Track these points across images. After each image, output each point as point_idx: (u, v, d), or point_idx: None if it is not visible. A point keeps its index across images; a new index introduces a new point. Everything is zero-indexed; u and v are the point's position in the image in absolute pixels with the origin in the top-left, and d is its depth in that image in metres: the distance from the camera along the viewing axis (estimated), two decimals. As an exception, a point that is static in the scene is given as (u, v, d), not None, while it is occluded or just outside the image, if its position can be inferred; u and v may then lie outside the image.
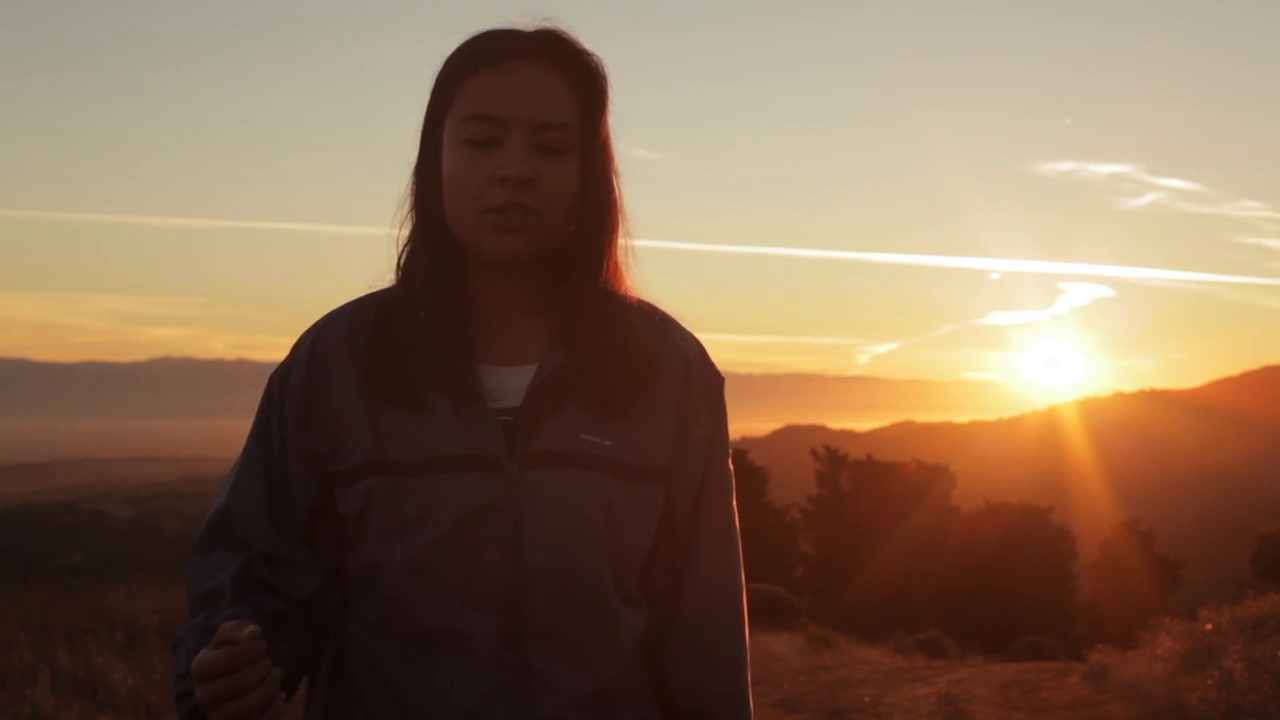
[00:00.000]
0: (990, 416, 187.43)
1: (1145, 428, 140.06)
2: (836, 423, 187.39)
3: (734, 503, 1.61)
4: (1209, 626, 9.61)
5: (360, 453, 1.45)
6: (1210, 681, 8.15)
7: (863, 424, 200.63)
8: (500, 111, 1.43)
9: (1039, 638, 25.37)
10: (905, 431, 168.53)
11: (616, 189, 1.53)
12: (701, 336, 1.61)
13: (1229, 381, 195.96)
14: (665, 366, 1.52)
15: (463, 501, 1.42)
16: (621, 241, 1.54)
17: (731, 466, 1.62)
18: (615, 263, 1.53)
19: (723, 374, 1.59)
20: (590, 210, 1.48)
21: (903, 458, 42.58)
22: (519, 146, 1.42)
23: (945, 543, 36.51)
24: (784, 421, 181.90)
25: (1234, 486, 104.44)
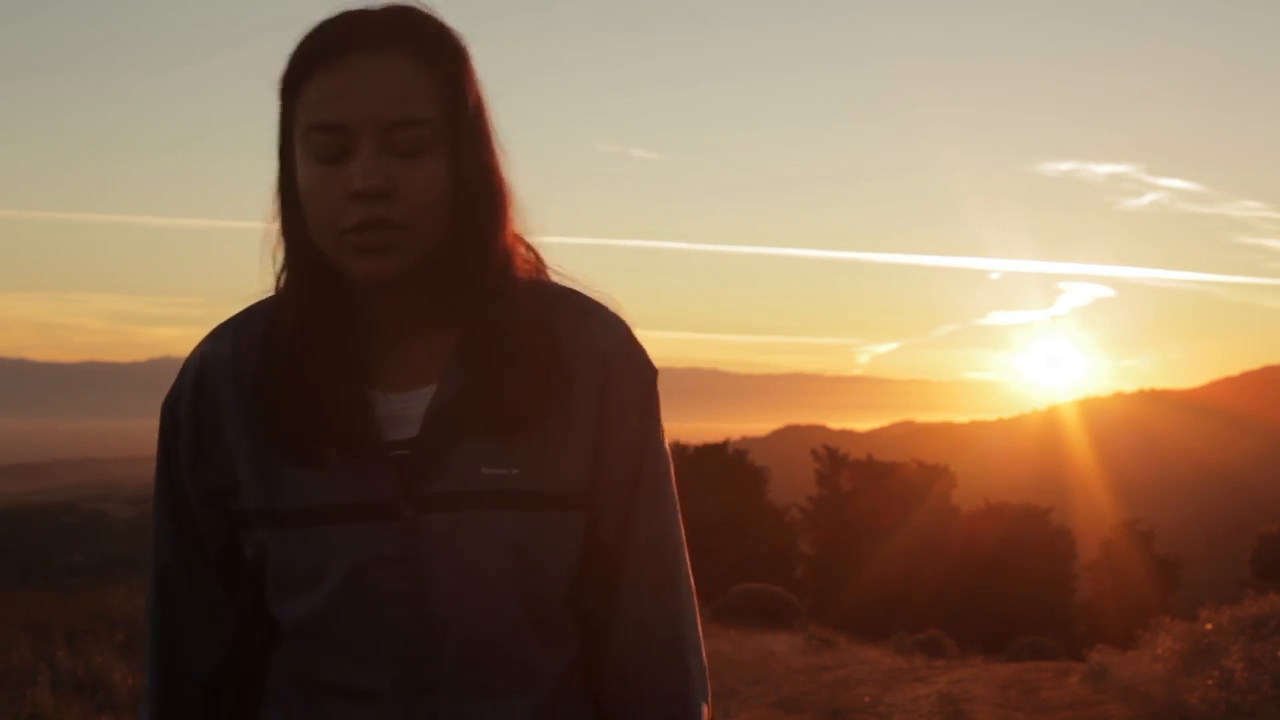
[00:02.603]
0: (990, 416, 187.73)
1: (1145, 428, 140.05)
2: (836, 423, 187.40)
3: (674, 505, 1.42)
4: (1209, 626, 9.61)
5: (250, 498, 1.32)
6: (1210, 681, 8.14)
7: (863, 424, 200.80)
8: (342, 118, 1.24)
9: (1039, 638, 25.39)
10: (905, 431, 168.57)
11: (499, 173, 1.32)
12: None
13: (1229, 381, 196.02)
14: (580, 372, 1.33)
15: (353, 555, 1.29)
16: (519, 225, 1.36)
17: (668, 463, 1.43)
18: (506, 252, 1.33)
19: (656, 366, 1.39)
20: (469, 206, 1.29)
21: (903, 458, 42.58)
22: (369, 155, 1.23)
23: (945, 543, 36.51)
24: (784, 421, 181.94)
25: (1234, 486, 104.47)
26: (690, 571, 1.44)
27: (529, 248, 1.38)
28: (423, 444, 1.30)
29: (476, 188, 1.29)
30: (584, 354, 1.34)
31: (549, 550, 1.32)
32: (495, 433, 1.30)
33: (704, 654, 1.43)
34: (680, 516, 1.43)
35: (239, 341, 1.36)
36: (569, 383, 1.32)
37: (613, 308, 1.40)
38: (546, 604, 1.34)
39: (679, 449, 38.40)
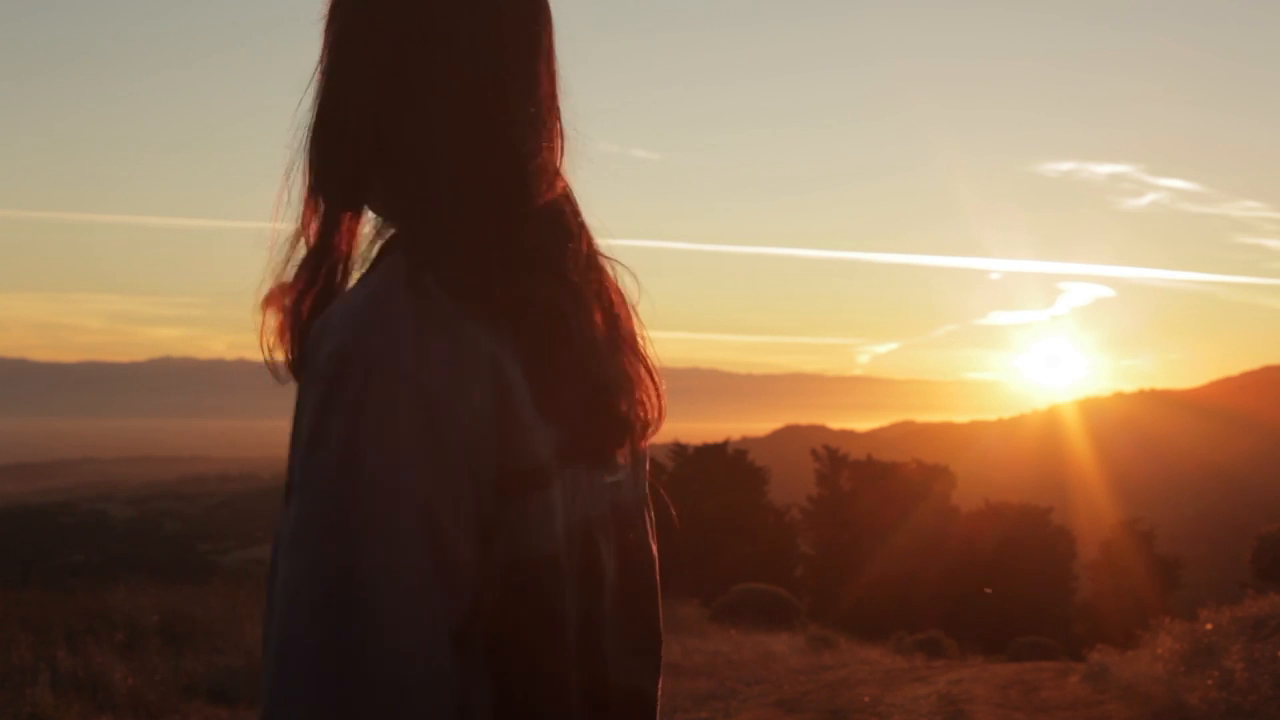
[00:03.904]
0: (990, 416, 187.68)
1: (1145, 428, 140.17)
2: (836, 423, 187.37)
3: (300, 546, 1.03)
4: (1209, 626, 9.62)
5: None
6: (1210, 681, 8.15)
7: (863, 424, 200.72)
8: None
9: (1039, 638, 25.41)
10: (905, 431, 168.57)
11: (340, 103, 1.19)
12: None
13: (1229, 381, 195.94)
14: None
15: None
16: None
17: (311, 490, 1.04)
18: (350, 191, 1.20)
19: (337, 359, 1.06)
20: (315, 133, 1.21)
21: (903, 458, 42.60)
22: None
23: (945, 543, 36.54)
24: (784, 421, 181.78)
25: (1234, 486, 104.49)
26: (304, 651, 1.02)
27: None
28: None
29: (320, 115, 1.20)
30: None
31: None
32: None
33: None
34: (329, 568, 1.02)
35: None
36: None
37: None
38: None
39: (678, 449, 38.54)
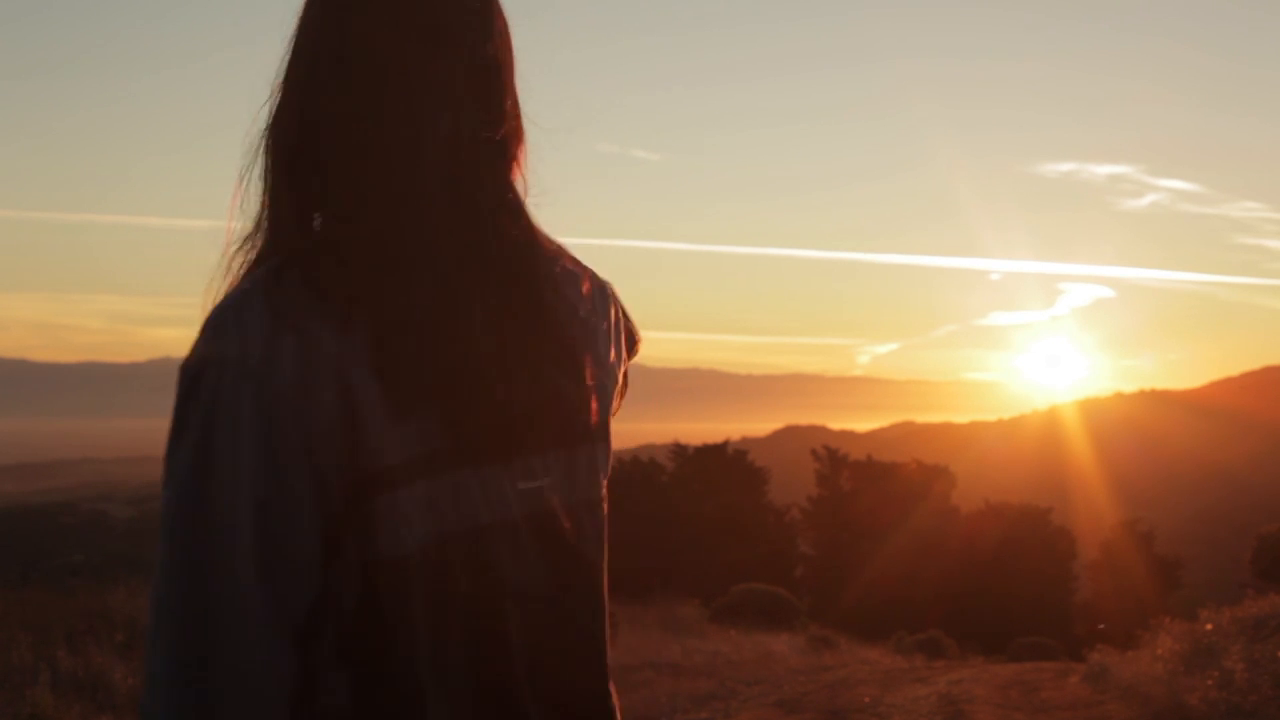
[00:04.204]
0: (990, 417, 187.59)
1: (1145, 428, 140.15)
2: (836, 423, 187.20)
3: (163, 547, 1.13)
4: (1209, 626, 9.62)
5: None
6: (1210, 681, 8.14)
7: (863, 424, 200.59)
8: None
9: (1039, 638, 25.42)
10: (905, 431, 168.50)
11: (278, 117, 1.23)
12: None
13: (1229, 381, 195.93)
14: None
15: None
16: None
17: (168, 491, 1.16)
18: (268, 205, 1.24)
19: (192, 366, 1.14)
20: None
21: (903, 458, 42.62)
22: None
23: (945, 543, 36.54)
24: (784, 421, 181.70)
25: (1234, 487, 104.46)
26: (164, 639, 1.09)
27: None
28: None
29: (269, 119, 1.24)
30: None
31: None
32: None
33: None
34: (174, 567, 1.10)
35: None
36: None
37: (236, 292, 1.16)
38: None
39: (678, 449, 38.51)
